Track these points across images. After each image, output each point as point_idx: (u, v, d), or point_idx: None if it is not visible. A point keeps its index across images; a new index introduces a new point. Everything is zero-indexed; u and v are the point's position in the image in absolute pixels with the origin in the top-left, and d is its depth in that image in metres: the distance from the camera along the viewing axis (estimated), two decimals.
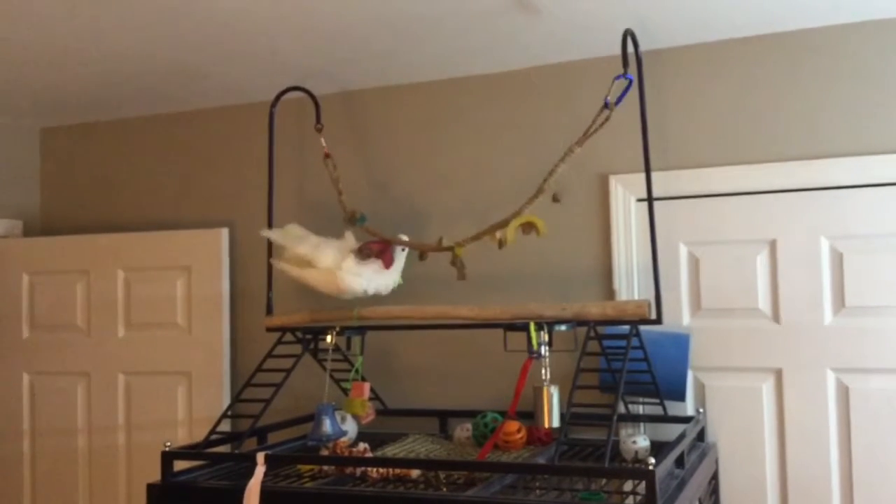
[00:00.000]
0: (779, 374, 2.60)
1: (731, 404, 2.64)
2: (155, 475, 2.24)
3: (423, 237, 2.89)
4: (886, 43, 2.51)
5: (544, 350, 2.22)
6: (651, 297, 2.38)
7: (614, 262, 2.75)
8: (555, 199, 2.32)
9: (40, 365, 3.44)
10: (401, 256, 2.56)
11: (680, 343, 2.63)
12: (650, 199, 2.39)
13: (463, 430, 2.65)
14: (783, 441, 2.58)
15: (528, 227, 2.32)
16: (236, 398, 2.46)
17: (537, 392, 2.18)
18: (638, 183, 2.65)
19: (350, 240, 2.58)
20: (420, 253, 2.51)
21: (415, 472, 2.19)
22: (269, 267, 2.84)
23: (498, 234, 2.32)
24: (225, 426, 2.43)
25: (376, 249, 2.49)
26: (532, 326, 2.22)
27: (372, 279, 2.48)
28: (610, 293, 2.76)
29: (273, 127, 2.91)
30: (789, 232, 2.59)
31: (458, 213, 2.96)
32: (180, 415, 3.23)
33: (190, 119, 3.43)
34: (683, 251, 2.72)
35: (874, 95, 2.52)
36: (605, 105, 2.25)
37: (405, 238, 2.58)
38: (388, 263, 2.50)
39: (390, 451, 2.53)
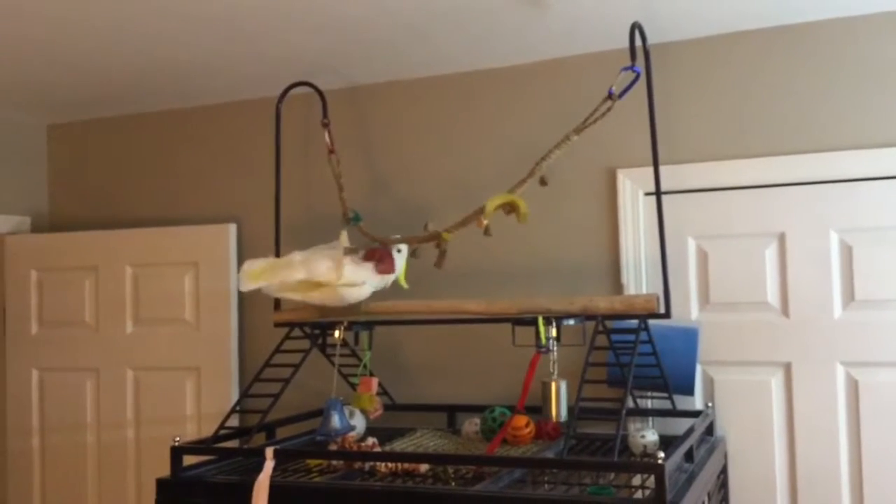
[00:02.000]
0: (788, 368, 2.59)
1: (740, 398, 2.63)
2: (164, 470, 2.24)
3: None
4: (895, 35, 2.50)
5: (552, 344, 2.22)
6: (659, 291, 2.37)
7: (622, 257, 2.74)
8: (542, 182, 2.30)
9: (49, 361, 3.45)
10: (399, 257, 2.54)
11: (688, 337, 2.63)
12: (658, 193, 2.38)
13: (471, 424, 2.64)
14: (792, 435, 2.57)
15: (510, 208, 2.29)
16: (245, 393, 2.46)
17: (545, 386, 2.18)
18: (646, 177, 2.63)
19: (344, 240, 2.58)
20: (413, 250, 2.49)
21: (423, 467, 2.19)
22: None
23: (483, 219, 2.29)
24: (233, 421, 2.44)
25: (377, 257, 2.47)
26: (540, 321, 2.21)
27: (373, 282, 2.47)
28: (618, 287, 2.75)
29: (280, 122, 2.91)
30: (798, 225, 2.58)
31: (463, 208, 2.94)
32: (189, 410, 3.24)
33: (197, 115, 3.44)
34: (692, 245, 2.71)
35: (883, 87, 2.51)
36: (610, 95, 2.24)
37: (396, 236, 2.56)
38: (389, 269, 2.47)
39: (399, 445, 2.53)
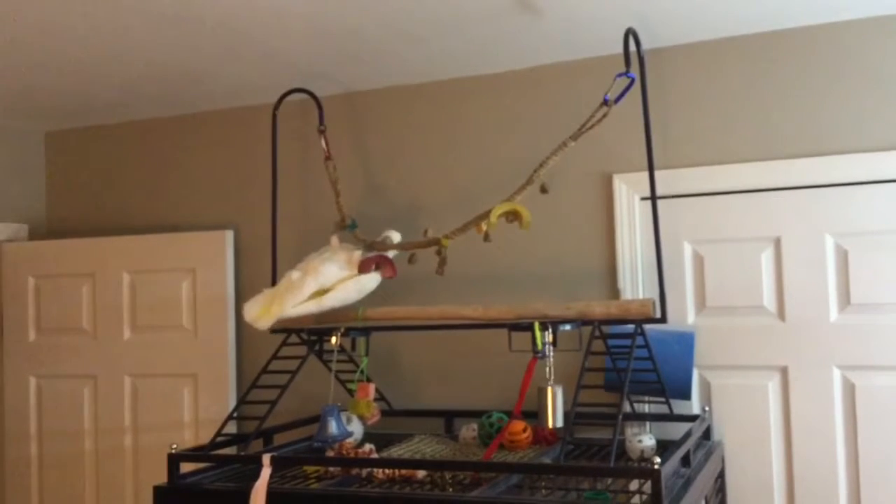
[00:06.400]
0: (784, 372, 2.59)
1: (737, 402, 2.63)
2: (161, 477, 2.25)
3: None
4: (891, 39, 2.50)
5: (549, 350, 2.22)
6: (655, 295, 2.37)
7: (618, 261, 2.75)
8: (542, 189, 2.32)
9: (47, 368, 3.45)
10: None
11: (685, 341, 2.63)
12: (654, 198, 2.38)
13: (468, 430, 2.65)
14: (789, 439, 2.58)
15: (512, 216, 2.31)
16: (242, 400, 2.46)
17: (541, 392, 2.18)
18: (642, 181, 2.64)
19: (335, 243, 2.59)
20: (409, 256, 2.50)
21: (421, 473, 2.19)
22: (274, 268, 2.85)
23: (484, 226, 2.30)
24: (231, 428, 2.44)
25: (376, 265, 2.48)
26: (536, 326, 2.22)
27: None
28: (614, 292, 2.75)
29: (276, 129, 2.91)
30: (794, 229, 2.59)
31: (459, 214, 2.96)
32: (186, 417, 3.24)
33: (194, 121, 3.44)
34: (688, 249, 2.71)
35: (878, 92, 2.51)
36: (605, 102, 2.25)
37: (395, 239, 2.57)
38: (392, 273, 2.49)
39: (396, 451, 2.53)
